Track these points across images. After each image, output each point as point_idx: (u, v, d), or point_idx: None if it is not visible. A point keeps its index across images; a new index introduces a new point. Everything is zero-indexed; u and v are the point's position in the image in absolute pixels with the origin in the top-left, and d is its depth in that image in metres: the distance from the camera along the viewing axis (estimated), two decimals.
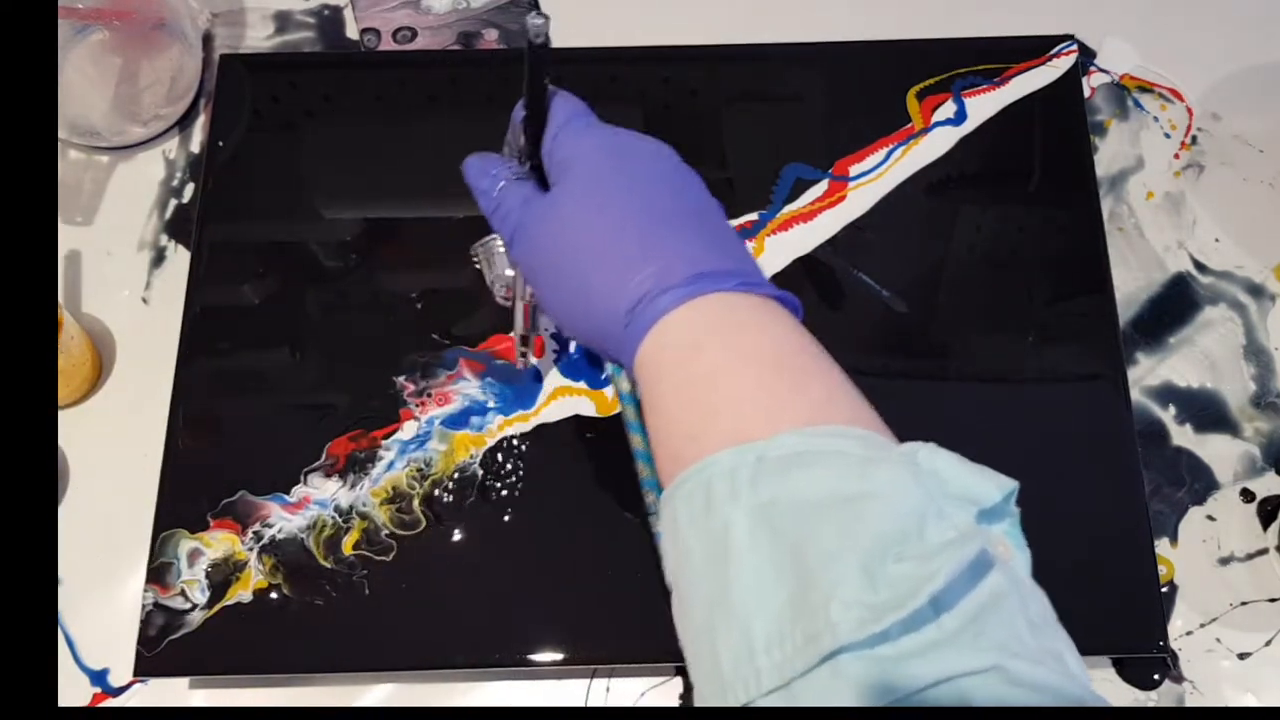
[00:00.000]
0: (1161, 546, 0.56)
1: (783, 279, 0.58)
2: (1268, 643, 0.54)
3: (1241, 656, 0.54)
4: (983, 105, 0.62)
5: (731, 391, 0.36)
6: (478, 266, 0.52)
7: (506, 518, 0.53)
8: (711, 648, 0.32)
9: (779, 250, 0.59)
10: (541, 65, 0.41)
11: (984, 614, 0.30)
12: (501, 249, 0.50)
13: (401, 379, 0.56)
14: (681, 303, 0.37)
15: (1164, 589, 0.55)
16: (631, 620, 0.51)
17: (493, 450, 0.55)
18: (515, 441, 0.55)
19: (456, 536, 0.53)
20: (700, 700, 0.33)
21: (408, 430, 0.55)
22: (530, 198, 0.42)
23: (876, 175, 0.60)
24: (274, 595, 0.52)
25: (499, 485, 0.54)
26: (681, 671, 0.53)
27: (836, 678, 0.29)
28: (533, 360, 0.56)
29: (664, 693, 0.53)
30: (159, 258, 0.62)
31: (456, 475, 0.54)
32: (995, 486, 0.33)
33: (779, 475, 0.33)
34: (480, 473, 0.54)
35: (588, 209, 0.40)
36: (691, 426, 0.36)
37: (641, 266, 0.38)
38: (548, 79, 0.42)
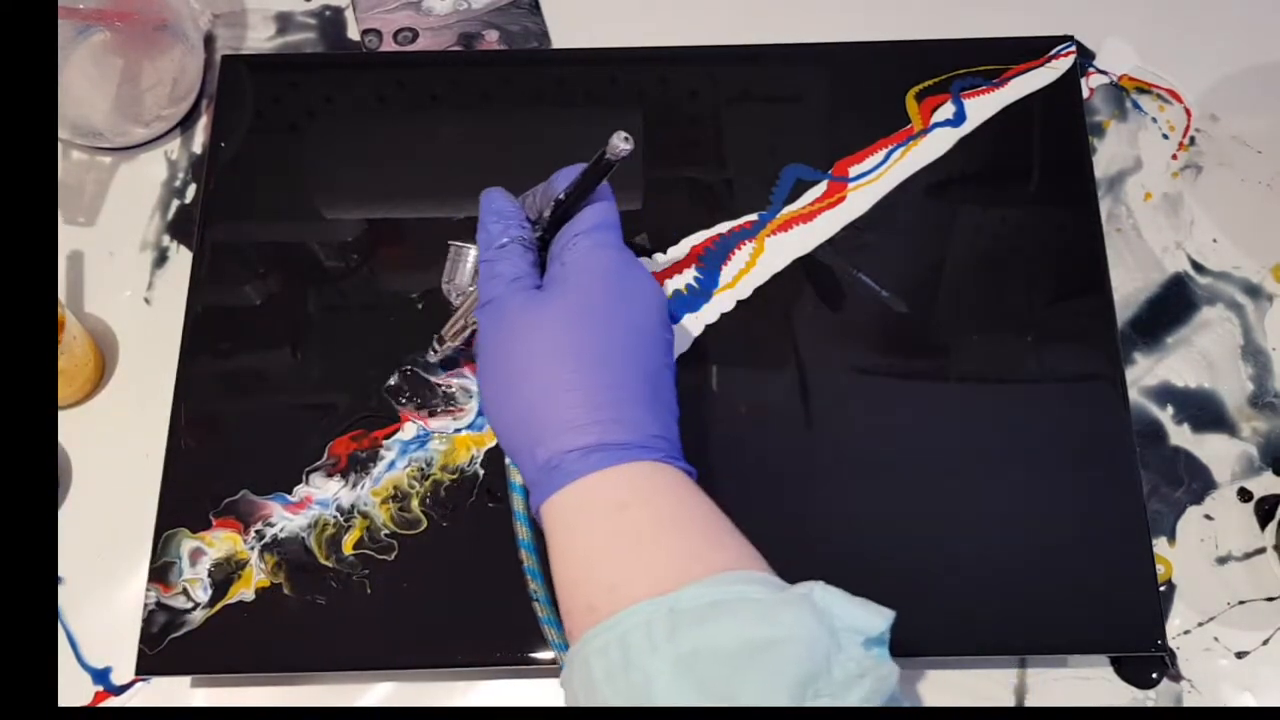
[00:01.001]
0: (1159, 546, 0.56)
1: (783, 279, 0.58)
2: (1265, 641, 0.54)
3: (1239, 655, 0.54)
4: (982, 106, 0.62)
5: (652, 547, 0.38)
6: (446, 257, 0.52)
7: (507, 517, 0.54)
8: None
9: (779, 250, 0.59)
10: (603, 177, 0.42)
11: None
12: (473, 262, 0.51)
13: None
14: (615, 465, 0.40)
15: (1162, 588, 0.55)
16: None
17: (494, 450, 0.55)
18: None
19: (457, 536, 0.53)
20: None
21: (409, 430, 0.55)
22: (522, 276, 0.43)
23: (876, 176, 0.61)
24: (276, 594, 0.52)
25: (500, 485, 0.54)
26: None
27: None
28: (436, 360, 0.56)
29: None
30: (161, 258, 0.62)
31: (457, 475, 0.54)
32: (880, 618, 0.36)
33: (694, 626, 0.35)
34: (481, 472, 0.55)
35: (565, 335, 0.41)
36: (610, 577, 0.38)
37: (591, 419, 0.40)
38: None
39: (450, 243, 0.51)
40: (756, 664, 0.34)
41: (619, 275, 0.43)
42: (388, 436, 0.55)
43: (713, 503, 0.41)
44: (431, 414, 0.55)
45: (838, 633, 0.35)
